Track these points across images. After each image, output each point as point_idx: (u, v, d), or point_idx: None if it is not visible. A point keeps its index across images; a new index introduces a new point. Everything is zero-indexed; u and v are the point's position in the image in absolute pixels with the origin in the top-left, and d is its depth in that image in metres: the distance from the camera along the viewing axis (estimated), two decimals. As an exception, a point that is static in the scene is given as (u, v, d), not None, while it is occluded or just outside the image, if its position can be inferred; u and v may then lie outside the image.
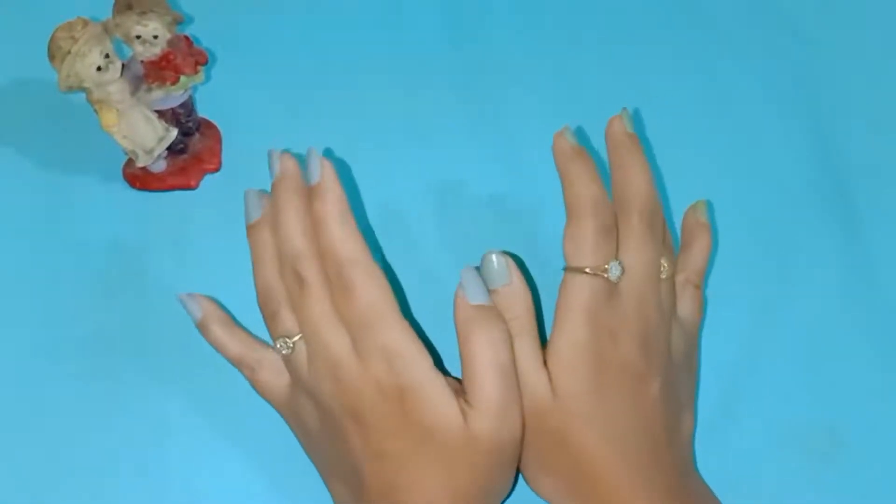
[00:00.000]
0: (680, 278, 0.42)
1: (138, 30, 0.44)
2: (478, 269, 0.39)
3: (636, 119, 0.52)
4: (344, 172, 0.50)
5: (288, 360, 0.39)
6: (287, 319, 0.38)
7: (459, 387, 0.37)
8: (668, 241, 0.42)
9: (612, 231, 0.39)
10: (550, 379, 0.37)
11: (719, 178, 0.51)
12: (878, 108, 0.53)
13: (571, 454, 0.37)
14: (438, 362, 0.37)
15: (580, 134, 0.51)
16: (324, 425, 0.38)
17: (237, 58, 0.54)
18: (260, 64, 0.54)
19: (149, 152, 0.47)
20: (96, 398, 0.43)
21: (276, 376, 0.40)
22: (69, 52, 0.41)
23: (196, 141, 0.50)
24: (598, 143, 0.51)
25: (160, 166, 0.49)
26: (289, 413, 0.40)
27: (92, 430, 0.42)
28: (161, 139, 0.47)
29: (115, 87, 0.44)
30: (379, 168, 0.50)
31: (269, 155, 0.40)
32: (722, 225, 0.49)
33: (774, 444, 0.43)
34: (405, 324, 0.37)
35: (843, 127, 0.52)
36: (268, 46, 0.55)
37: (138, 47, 0.44)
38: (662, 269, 0.40)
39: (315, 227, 0.38)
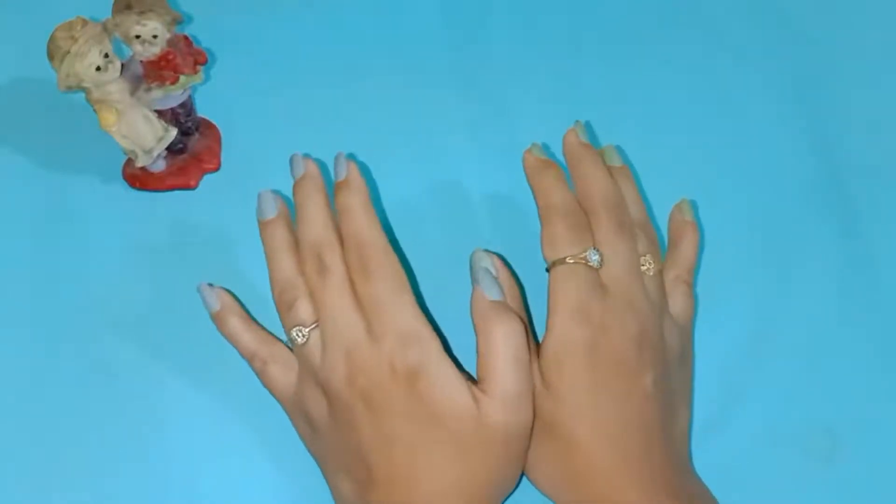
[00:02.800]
0: (670, 276, 0.43)
1: (137, 29, 0.44)
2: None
3: (639, 118, 0.52)
4: (366, 173, 0.50)
5: (301, 350, 0.39)
6: (303, 310, 0.39)
7: (471, 377, 0.38)
8: (650, 237, 0.42)
9: (585, 227, 0.40)
10: (542, 371, 0.38)
11: (719, 177, 0.51)
12: (878, 108, 0.53)
13: (563, 445, 0.37)
14: (448, 350, 0.38)
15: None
16: (332, 415, 0.38)
17: (237, 58, 0.54)
18: (260, 64, 0.54)
19: (148, 152, 0.47)
20: (96, 396, 0.43)
21: (285, 371, 0.40)
22: (68, 52, 0.41)
23: (195, 141, 0.50)
24: (598, 141, 0.51)
25: (160, 166, 0.49)
26: (294, 407, 0.40)
27: (92, 429, 0.42)
28: (160, 139, 0.47)
29: (115, 86, 0.44)
30: (378, 168, 0.50)
31: (292, 158, 0.42)
32: (721, 224, 0.49)
33: (773, 443, 0.43)
34: (418, 308, 0.38)
35: (843, 127, 0.52)
36: (268, 46, 0.55)
37: (137, 47, 0.44)
38: (648, 265, 0.41)
39: (340, 216, 0.40)
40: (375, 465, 0.36)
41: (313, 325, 0.39)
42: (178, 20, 0.45)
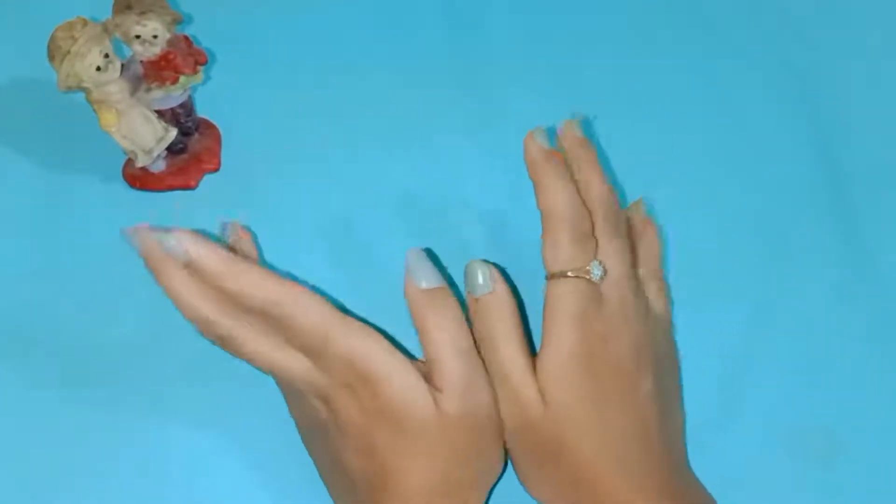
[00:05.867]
0: (642, 275, 0.42)
1: (138, 30, 0.44)
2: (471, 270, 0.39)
3: (640, 117, 0.52)
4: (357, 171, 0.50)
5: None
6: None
7: (426, 370, 0.37)
8: (632, 239, 0.42)
9: (590, 234, 0.39)
10: (541, 389, 0.37)
11: (719, 177, 0.51)
12: (878, 108, 0.53)
13: (567, 462, 0.37)
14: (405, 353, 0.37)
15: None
16: (308, 427, 0.39)
17: (237, 58, 0.54)
18: (260, 64, 0.54)
19: (148, 152, 0.47)
20: (96, 398, 0.43)
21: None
22: (69, 52, 0.41)
23: (195, 141, 0.50)
24: (598, 141, 0.51)
25: (159, 166, 0.49)
26: (290, 403, 0.41)
27: (92, 430, 0.42)
28: (160, 139, 0.47)
29: (115, 86, 0.44)
30: (378, 168, 0.50)
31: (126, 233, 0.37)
32: (720, 224, 0.49)
33: (772, 445, 0.42)
34: (353, 324, 0.36)
35: (843, 127, 0.52)
36: (268, 46, 0.55)
37: (138, 47, 0.44)
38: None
39: (222, 290, 0.36)
40: (355, 473, 0.37)
41: None
42: (178, 20, 0.45)
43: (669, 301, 0.43)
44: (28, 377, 0.44)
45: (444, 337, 0.37)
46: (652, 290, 0.42)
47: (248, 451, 0.42)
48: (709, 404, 0.43)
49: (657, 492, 0.37)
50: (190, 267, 0.36)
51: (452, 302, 0.38)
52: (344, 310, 0.39)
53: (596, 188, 0.41)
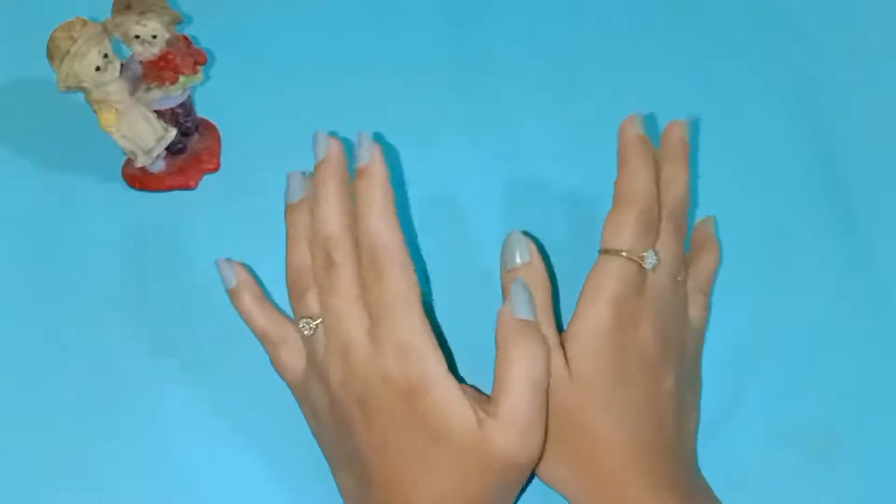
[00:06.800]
0: (690, 285, 0.43)
1: (137, 30, 0.44)
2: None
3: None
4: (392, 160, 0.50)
5: (307, 342, 0.39)
6: (314, 302, 0.39)
7: (475, 394, 0.37)
8: (690, 251, 0.43)
9: (655, 223, 0.39)
10: (568, 360, 0.37)
11: (719, 177, 0.50)
12: (878, 108, 0.53)
13: (583, 436, 0.37)
14: (452, 367, 0.37)
15: (599, 128, 0.51)
16: (332, 412, 0.38)
17: (237, 58, 0.54)
18: (259, 64, 0.54)
19: (148, 152, 0.47)
20: (97, 397, 0.43)
21: (296, 356, 0.40)
22: (68, 52, 0.41)
23: (195, 141, 0.50)
24: (598, 141, 0.51)
25: (159, 166, 0.49)
26: (301, 395, 0.40)
27: (92, 429, 0.42)
28: (160, 139, 0.47)
29: (114, 87, 0.44)
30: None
31: (315, 136, 0.40)
32: (721, 224, 0.48)
33: (774, 443, 0.43)
34: (426, 321, 0.37)
35: (843, 127, 0.52)
36: (268, 46, 0.55)
37: (137, 47, 0.44)
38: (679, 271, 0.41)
39: (357, 207, 0.38)
40: (374, 468, 0.36)
41: (321, 319, 0.38)
42: (178, 20, 0.45)
43: (707, 318, 0.44)
44: (28, 378, 0.44)
45: (523, 371, 0.36)
46: (696, 302, 0.42)
47: (252, 449, 0.42)
48: (710, 403, 0.43)
49: (667, 485, 0.37)
50: (358, 170, 0.38)
51: (542, 342, 0.37)
52: (432, 314, 0.39)
53: (677, 188, 0.41)
